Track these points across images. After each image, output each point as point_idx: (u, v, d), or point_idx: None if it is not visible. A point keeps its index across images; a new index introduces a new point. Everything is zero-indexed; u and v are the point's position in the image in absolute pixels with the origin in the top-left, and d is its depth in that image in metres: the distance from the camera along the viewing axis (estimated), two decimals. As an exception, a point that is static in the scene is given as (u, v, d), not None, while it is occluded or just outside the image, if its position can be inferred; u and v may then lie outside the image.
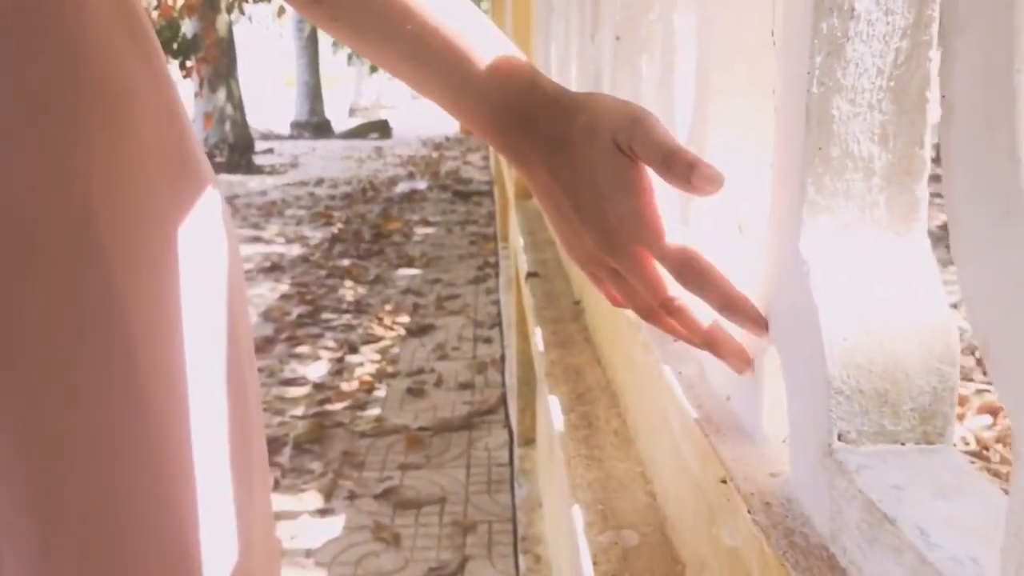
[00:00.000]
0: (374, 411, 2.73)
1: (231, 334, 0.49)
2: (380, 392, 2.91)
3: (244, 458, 0.49)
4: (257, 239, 5.37)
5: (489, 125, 0.51)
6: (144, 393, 0.44)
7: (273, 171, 8.68)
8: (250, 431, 0.50)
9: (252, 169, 8.64)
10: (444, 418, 2.66)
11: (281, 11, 7.87)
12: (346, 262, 4.72)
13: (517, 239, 1.87)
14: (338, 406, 2.77)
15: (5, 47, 0.40)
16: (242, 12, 8.82)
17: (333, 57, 16.09)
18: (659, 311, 0.48)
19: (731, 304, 0.45)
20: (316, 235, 5.48)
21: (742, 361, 0.48)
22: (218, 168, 8.39)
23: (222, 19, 8.39)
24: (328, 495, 2.20)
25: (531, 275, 1.42)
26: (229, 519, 0.48)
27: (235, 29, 9.64)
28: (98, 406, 0.43)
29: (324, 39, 14.54)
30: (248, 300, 0.54)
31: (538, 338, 1.07)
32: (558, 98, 0.50)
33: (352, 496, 2.20)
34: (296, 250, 5.07)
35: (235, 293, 0.50)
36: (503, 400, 2.79)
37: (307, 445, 2.48)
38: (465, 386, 2.93)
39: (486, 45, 0.50)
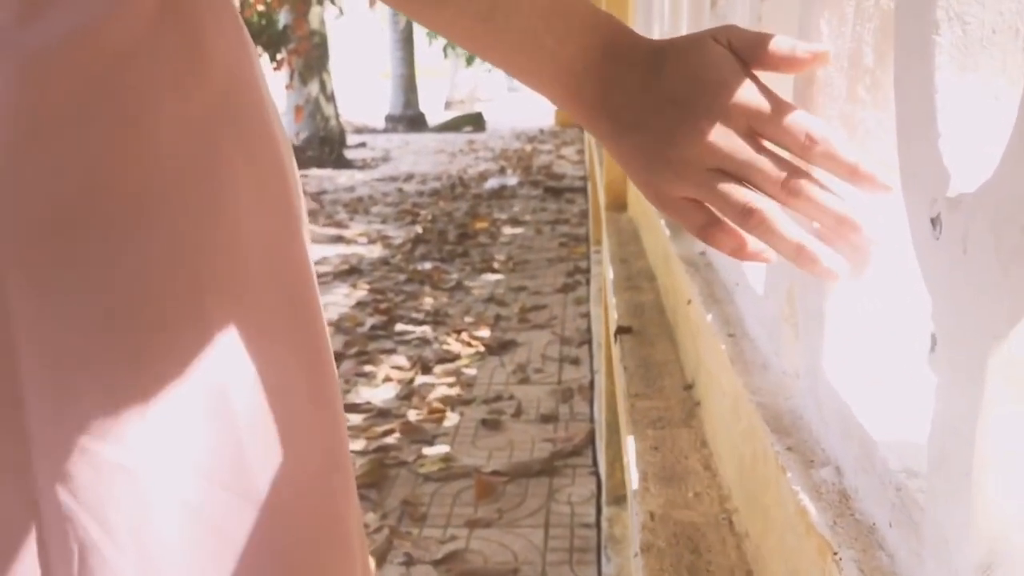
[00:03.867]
0: (442, 447, 2.40)
1: (297, 281, 0.50)
2: (451, 421, 2.58)
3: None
4: (339, 239, 5.14)
5: (568, 69, 0.49)
6: (213, 351, 0.44)
7: (364, 165, 8.50)
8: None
9: (342, 163, 8.47)
10: (522, 461, 2.30)
11: (373, 1, 7.62)
12: (428, 265, 4.42)
13: (608, 265, 1.50)
14: (403, 440, 2.45)
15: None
16: (333, 3, 8.63)
17: (429, 49, 15.91)
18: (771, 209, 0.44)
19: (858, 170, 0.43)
20: (399, 235, 5.21)
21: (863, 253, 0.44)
22: (308, 162, 8.26)
23: (315, 11, 8.24)
24: (381, 558, 1.88)
25: (622, 331, 1.05)
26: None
27: (334, 22, 9.49)
28: (171, 358, 0.43)
29: (420, 31, 14.38)
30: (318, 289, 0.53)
31: (631, 460, 0.70)
32: (641, 37, 0.50)
33: (409, 561, 1.87)
34: (377, 251, 4.81)
35: (298, 245, 0.51)
36: (591, 438, 2.42)
37: (363, 490, 2.16)
38: (548, 418, 2.57)
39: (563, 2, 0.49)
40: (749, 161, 0.44)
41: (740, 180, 0.45)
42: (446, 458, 2.33)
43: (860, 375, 0.48)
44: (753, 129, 0.45)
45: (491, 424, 2.54)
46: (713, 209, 0.46)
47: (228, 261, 0.45)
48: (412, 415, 2.62)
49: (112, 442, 0.41)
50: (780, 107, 0.45)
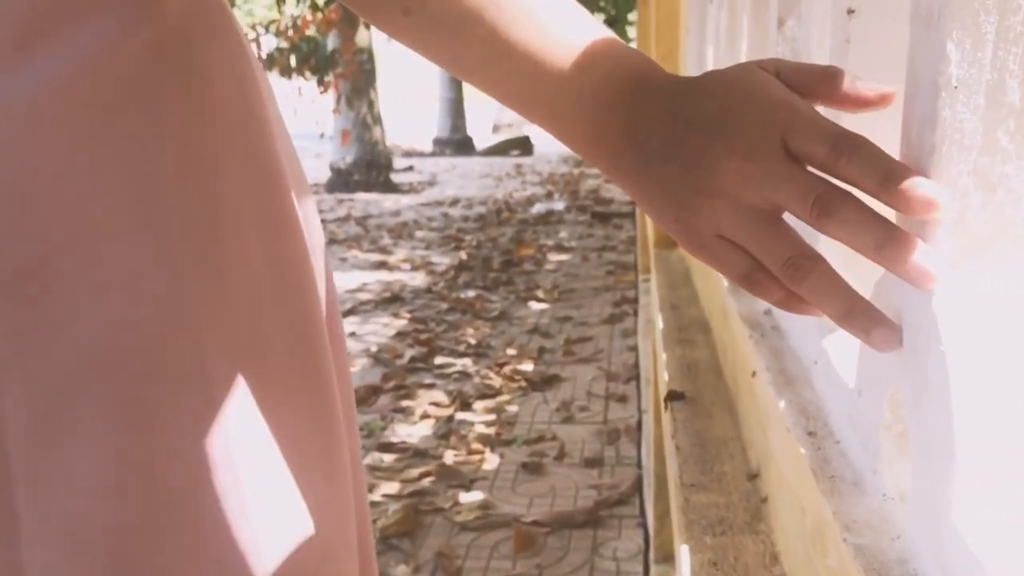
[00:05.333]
0: (480, 493, 2.28)
1: (309, 295, 0.47)
2: (490, 464, 2.45)
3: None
4: (382, 265, 5.07)
5: (590, 112, 0.45)
6: (218, 421, 0.41)
7: (411, 189, 8.46)
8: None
9: (389, 187, 8.44)
10: (564, 510, 2.16)
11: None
12: (471, 293, 4.32)
13: (656, 313, 1.36)
14: (439, 484, 2.33)
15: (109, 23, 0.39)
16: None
17: (477, 72, 15.89)
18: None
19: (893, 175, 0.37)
20: (443, 261, 5.12)
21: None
22: (354, 186, 8.25)
23: (362, 33, 8.26)
24: (411, 618, 1.76)
25: (673, 396, 0.92)
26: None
27: (385, 46, 9.50)
28: (172, 415, 0.40)
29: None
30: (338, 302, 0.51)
31: (683, 582, 0.57)
32: (670, 73, 0.46)
33: (440, 622, 1.75)
34: (420, 279, 4.72)
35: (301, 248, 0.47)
36: (638, 485, 2.27)
37: (395, 540, 2.04)
38: (592, 462, 2.43)
39: (584, 33, 0.45)
40: (781, 179, 0.39)
41: (781, 212, 0.41)
42: (484, 505, 2.20)
43: (1013, 531, 0.34)
44: (785, 143, 0.40)
45: (532, 468, 2.41)
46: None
47: (232, 315, 0.42)
48: (449, 456, 2.50)
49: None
50: (820, 120, 0.40)
